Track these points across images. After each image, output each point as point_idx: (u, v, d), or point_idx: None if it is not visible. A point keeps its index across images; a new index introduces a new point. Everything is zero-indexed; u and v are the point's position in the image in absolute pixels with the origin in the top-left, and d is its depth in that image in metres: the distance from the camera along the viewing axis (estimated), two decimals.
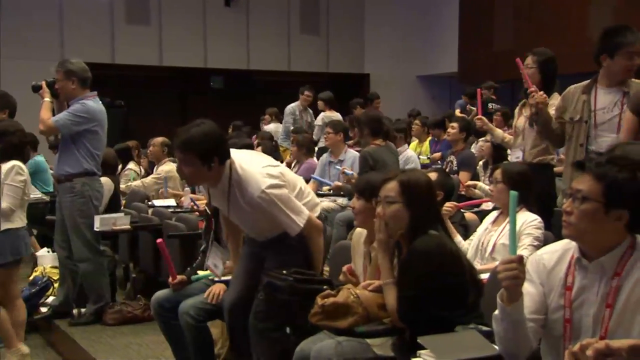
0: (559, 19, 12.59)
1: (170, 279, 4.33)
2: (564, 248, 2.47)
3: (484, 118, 5.47)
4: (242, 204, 3.66)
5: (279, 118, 11.32)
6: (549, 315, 2.44)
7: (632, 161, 2.35)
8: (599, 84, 4.38)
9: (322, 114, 9.94)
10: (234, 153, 3.70)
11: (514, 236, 2.32)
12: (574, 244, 2.42)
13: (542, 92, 4.45)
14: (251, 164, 3.68)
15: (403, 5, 16.59)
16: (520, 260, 2.26)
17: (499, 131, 5.60)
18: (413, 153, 8.26)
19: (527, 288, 2.43)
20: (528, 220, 3.89)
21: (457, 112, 12.31)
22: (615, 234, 2.31)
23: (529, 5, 13.74)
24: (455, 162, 7.04)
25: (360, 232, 3.70)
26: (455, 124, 7.29)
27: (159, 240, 4.40)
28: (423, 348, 2.58)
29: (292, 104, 10.84)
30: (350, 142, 8.03)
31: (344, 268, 3.52)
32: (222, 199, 3.75)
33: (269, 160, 3.89)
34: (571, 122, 4.44)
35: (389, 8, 16.63)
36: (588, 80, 4.48)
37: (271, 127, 10.96)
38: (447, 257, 2.97)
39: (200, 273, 4.41)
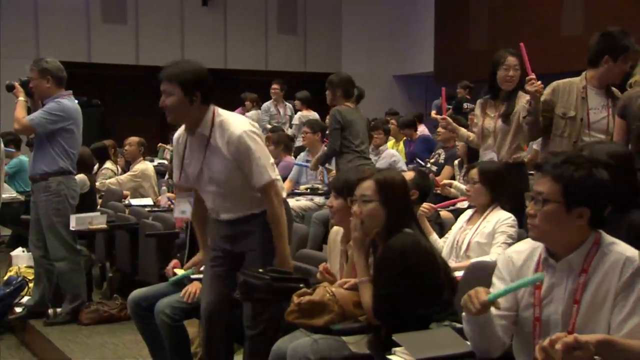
0: (533, 20, 12.68)
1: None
2: (532, 247, 2.50)
3: (447, 118, 5.51)
4: (220, 149, 3.59)
5: (259, 105, 11.14)
6: (519, 313, 2.46)
7: (587, 159, 2.41)
8: (589, 84, 4.39)
9: (298, 113, 9.92)
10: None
11: (508, 291, 2.39)
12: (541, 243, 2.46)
13: (540, 82, 4.42)
14: (234, 115, 3.78)
15: (379, 6, 16.62)
16: (495, 305, 2.34)
17: (463, 130, 5.54)
18: (396, 152, 8.28)
19: (498, 285, 2.47)
20: (502, 219, 3.91)
21: (433, 113, 12.37)
22: (579, 231, 2.35)
23: (504, 5, 13.82)
24: (443, 156, 7.14)
25: (337, 231, 3.70)
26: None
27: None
28: (398, 345, 2.60)
29: (267, 102, 10.82)
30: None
31: (320, 267, 3.52)
32: (199, 150, 3.66)
33: None
34: (564, 118, 4.41)
35: (366, 8, 16.67)
36: (578, 78, 4.49)
37: (252, 114, 10.68)
38: (422, 255, 2.98)
39: (178, 272, 4.38)
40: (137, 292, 4.34)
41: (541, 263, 2.43)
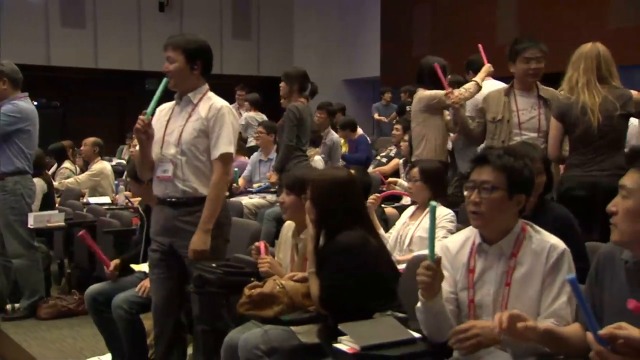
0: (471, 29, 12.83)
1: (106, 269, 4.25)
2: (466, 236, 2.59)
3: (452, 90, 5.08)
4: (200, 116, 3.63)
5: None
6: (458, 296, 2.53)
7: (521, 153, 2.61)
8: (515, 88, 4.57)
9: (245, 114, 9.84)
10: None
11: (432, 243, 2.36)
12: (474, 231, 2.54)
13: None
14: None
15: (329, 13, 16.69)
16: (439, 263, 2.37)
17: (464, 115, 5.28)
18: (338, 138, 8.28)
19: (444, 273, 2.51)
20: (442, 215, 3.94)
21: (375, 115, 12.43)
22: (513, 218, 2.47)
23: (444, 15, 13.98)
24: (394, 151, 7.26)
25: (289, 225, 3.68)
26: (399, 126, 7.51)
27: (81, 232, 4.29)
28: (344, 334, 2.60)
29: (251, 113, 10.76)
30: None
31: (256, 244, 3.52)
32: (182, 117, 3.68)
33: None
34: (493, 122, 4.57)
35: (316, 16, 16.73)
36: (506, 85, 4.71)
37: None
38: (368, 250, 2.97)
39: (135, 267, 4.32)
40: (94, 287, 4.29)
41: (475, 249, 2.52)
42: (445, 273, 2.48)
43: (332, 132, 8.24)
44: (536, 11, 12.09)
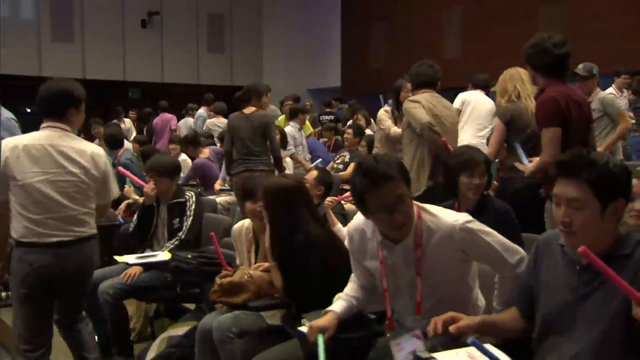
0: (421, 44, 12.92)
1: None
2: (364, 224, 2.44)
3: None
4: None
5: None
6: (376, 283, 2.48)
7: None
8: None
9: (208, 120, 9.73)
10: None
11: None
12: (369, 223, 2.39)
13: None
14: None
15: (295, 29, 16.69)
16: None
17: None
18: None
19: (353, 262, 2.54)
20: None
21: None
22: (410, 206, 2.27)
23: (397, 32, 14.04)
24: (347, 157, 7.17)
25: (240, 226, 3.63)
26: (350, 130, 7.40)
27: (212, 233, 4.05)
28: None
29: (200, 110, 10.68)
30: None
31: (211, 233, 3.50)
32: None
33: None
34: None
35: (283, 31, 16.74)
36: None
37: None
38: (324, 245, 2.93)
39: (118, 258, 4.25)
40: None
41: (379, 242, 2.38)
42: (353, 261, 2.49)
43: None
44: (477, 31, 12.23)
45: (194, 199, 4.20)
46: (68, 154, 3.12)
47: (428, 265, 2.28)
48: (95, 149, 3.26)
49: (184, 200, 4.18)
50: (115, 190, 3.39)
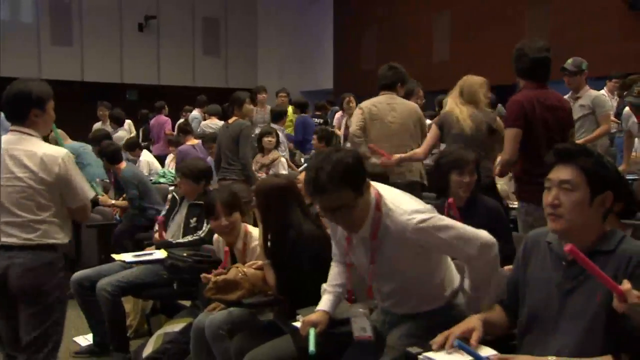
0: (411, 48, 12.94)
1: None
2: None
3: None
4: None
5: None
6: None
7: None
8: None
9: (203, 122, 9.69)
10: None
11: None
12: None
13: None
14: None
15: (288, 32, 16.69)
16: None
17: None
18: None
19: (332, 241, 2.54)
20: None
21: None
22: (366, 208, 2.21)
23: (389, 34, 14.06)
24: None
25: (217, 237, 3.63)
26: (314, 135, 7.37)
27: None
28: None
29: (195, 112, 10.65)
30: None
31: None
32: None
33: None
34: None
35: (277, 35, 16.73)
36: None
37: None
38: (317, 245, 2.89)
39: (115, 257, 4.24)
40: (78, 274, 4.21)
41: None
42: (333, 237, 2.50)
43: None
44: (465, 34, 12.26)
45: None
46: (19, 159, 2.81)
47: (385, 255, 2.24)
48: (48, 151, 2.86)
49: None
50: (85, 193, 2.96)
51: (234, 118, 5.86)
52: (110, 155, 5.73)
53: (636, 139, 5.66)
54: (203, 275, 3.11)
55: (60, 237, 2.94)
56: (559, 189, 1.87)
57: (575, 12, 10.42)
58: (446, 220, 2.22)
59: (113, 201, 5.88)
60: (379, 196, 2.23)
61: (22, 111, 2.88)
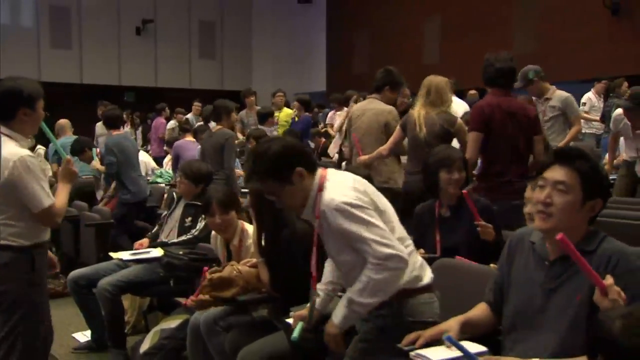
0: (402, 50, 12.97)
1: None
2: None
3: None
4: None
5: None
6: None
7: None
8: None
9: (198, 124, 9.67)
10: None
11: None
12: None
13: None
14: None
15: (282, 37, 16.69)
16: None
17: None
18: None
19: None
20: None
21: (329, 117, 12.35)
22: (304, 190, 2.19)
23: (380, 38, 14.08)
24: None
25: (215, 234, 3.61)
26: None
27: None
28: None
29: (189, 114, 10.65)
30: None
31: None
32: None
33: None
34: None
35: (271, 38, 16.74)
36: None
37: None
38: (310, 243, 2.87)
39: (113, 255, 4.21)
40: (76, 272, 4.21)
41: None
42: None
43: None
44: (455, 38, 12.28)
45: None
46: None
47: (326, 236, 2.20)
48: (5, 154, 2.70)
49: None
50: (39, 199, 2.76)
51: (218, 127, 5.64)
52: (109, 118, 5.94)
53: (621, 141, 5.67)
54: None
55: (21, 241, 2.78)
56: (552, 188, 1.86)
57: (560, 17, 10.46)
58: (370, 218, 2.09)
59: (99, 166, 6.10)
60: (324, 178, 2.19)
61: (11, 109, 2.76)
